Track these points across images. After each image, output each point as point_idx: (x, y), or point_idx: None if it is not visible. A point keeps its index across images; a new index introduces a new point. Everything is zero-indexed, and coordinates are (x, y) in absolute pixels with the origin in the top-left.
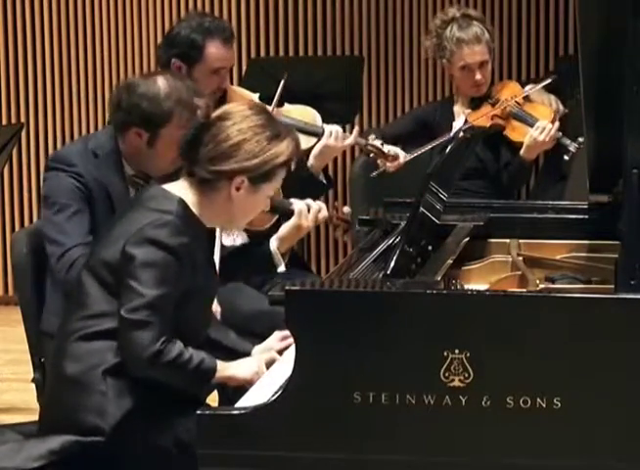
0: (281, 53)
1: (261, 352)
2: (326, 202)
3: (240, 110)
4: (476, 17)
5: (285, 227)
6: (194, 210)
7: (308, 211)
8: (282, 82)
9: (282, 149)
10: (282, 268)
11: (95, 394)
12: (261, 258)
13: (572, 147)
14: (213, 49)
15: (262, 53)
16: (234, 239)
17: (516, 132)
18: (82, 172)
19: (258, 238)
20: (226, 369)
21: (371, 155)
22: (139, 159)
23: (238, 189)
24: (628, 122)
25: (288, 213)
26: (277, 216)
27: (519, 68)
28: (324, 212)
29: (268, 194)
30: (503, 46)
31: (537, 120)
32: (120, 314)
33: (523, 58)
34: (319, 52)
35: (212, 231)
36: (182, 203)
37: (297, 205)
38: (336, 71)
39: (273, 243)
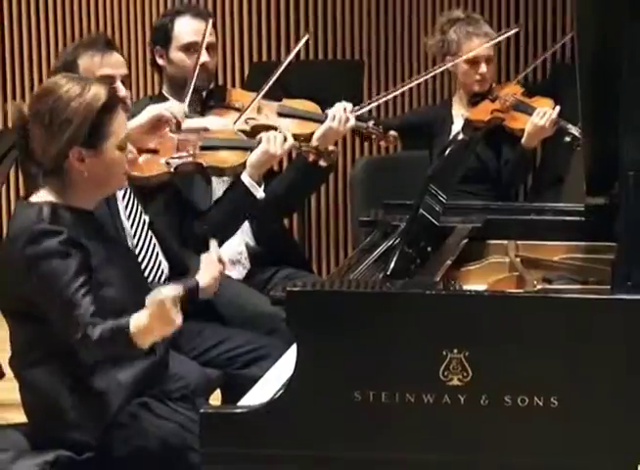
0: (282, 57)
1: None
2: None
3: (38, 97)
4: (481, 19)
5: (254, 154)
6: (64, 201)
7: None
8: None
9: (92, 101)
10: (261, 194)
11: (66, 412)
12: (240, 191)
13: (574, 130)
14: (182, 24)
15: (264, 57)
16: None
17: (516, 121)
18: None
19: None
20: (140, 319)
21: (373, 136)
22: None
23: (81, 160)
24: (625, 126)
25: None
26: (249, 153)
27: (517, 71)
28: (290, 141)
29: (117, 146)
30: (501, 50)
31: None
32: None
33: (521, 62)
34: (320, 56)
35: (112, 196)
36: (48, 205)
37: (264, 134)
38: (337, 75)
39: (245, 174)
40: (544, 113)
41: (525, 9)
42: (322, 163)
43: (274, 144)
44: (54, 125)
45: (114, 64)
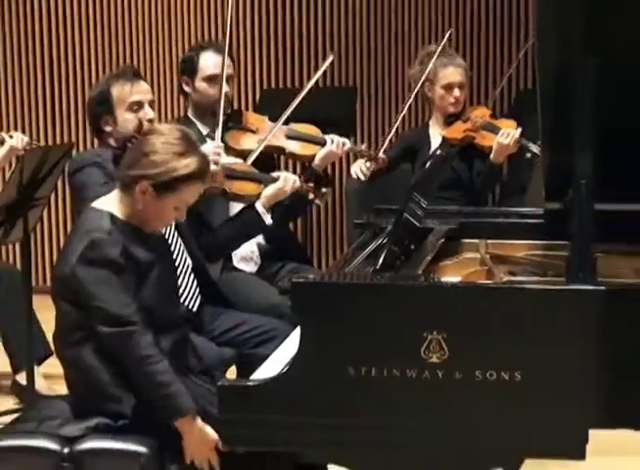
0: (288, 84)
1: None
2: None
3: (162, 128)
4: (454, 53)
5: (270, 188)
6: (122, 215)
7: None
8: (290, 106)
9: (182, 165)
10: (269, 220)
11: (105, 386)
12: (252, 216)
13: (534, 147)
14: (206, 58)
15: (273, 84)
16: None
17: (485, 140)
18: None
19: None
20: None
21: (365, 158)
22: None
23: (143, 193)
24: (578, 142)
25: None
26: (264, 186)
27: (486, 97)
28: (297, 183)
29: (175, 205)
30: (473, 79)
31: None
32: (100, 333)
33: (489, 89)
34: (320, 83)
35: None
36: (108, 215)
37: (281, 174)
38: (333, 100)
39: (259, 203)
40: (508, 133)
41: (494, 49)
42: (317, 201)
43: (288, 184)
44: (146, 159)
45: (141, 91)
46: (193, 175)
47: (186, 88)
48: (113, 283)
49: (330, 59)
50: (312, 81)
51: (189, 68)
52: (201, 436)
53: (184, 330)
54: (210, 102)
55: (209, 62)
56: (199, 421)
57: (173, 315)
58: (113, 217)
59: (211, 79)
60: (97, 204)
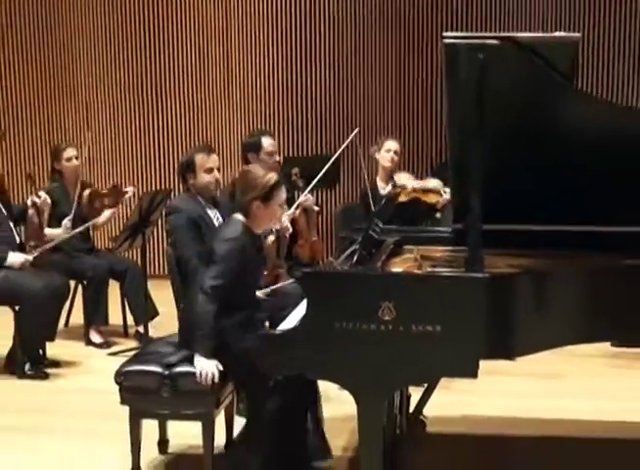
0: (302, 151)
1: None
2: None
3: (247, 169)
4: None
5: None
6: (246, 224)
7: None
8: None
9: (266, 181)
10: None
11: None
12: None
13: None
14: (265, 141)
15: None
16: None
17: (428, 197)
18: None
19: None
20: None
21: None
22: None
23: (258, 208)
24: (470, 191)
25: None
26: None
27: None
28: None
29: (279, 204)
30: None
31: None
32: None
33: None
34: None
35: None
36: (239, 223)
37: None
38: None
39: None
40: (445, 190)
41: (421, 125)
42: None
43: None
44: (248, 187)
45: (213, 161)
46: (275, 184)
47: (251, 160)
48: (227, 259)
49: (355, 131)
50: (338, 152)
51: (254, 146)
52: (206, 366)
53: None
54: (269, 167)
55: (268, 143)
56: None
57: (252, 297)
58: (244, 225)
59: (270, 154)
60: (236, 216)
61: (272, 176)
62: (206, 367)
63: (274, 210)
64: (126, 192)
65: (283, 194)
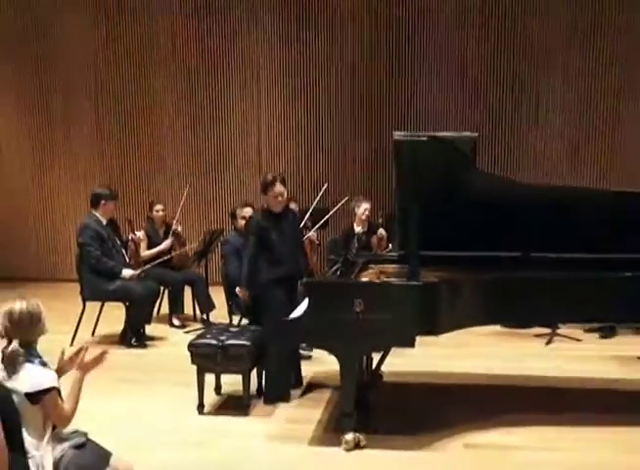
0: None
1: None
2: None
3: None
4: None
5: None
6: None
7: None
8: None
9: (265, 178)
10: None
11: None
12: None
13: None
14: (275, 187)
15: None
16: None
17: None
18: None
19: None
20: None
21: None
22: None
23: (265, 195)
24: (409, 229)
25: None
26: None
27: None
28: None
29: (275, 195)
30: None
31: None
32: None
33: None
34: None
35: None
36: (260, 209)
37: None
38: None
39: None
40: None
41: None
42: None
43: None
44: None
45: (284, 191)
46: (271, 181)
47: (265, 198)
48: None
49: (325, 186)
50: (312, 208)
51: (267, 188)
52: None
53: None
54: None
55: (277, 188)
56: None
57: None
58: (262, 209)
59: (276, 197)
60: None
61: (273, 178)
62: None
63: (271, 197)
64: (179, 232)
65: (279, 185)
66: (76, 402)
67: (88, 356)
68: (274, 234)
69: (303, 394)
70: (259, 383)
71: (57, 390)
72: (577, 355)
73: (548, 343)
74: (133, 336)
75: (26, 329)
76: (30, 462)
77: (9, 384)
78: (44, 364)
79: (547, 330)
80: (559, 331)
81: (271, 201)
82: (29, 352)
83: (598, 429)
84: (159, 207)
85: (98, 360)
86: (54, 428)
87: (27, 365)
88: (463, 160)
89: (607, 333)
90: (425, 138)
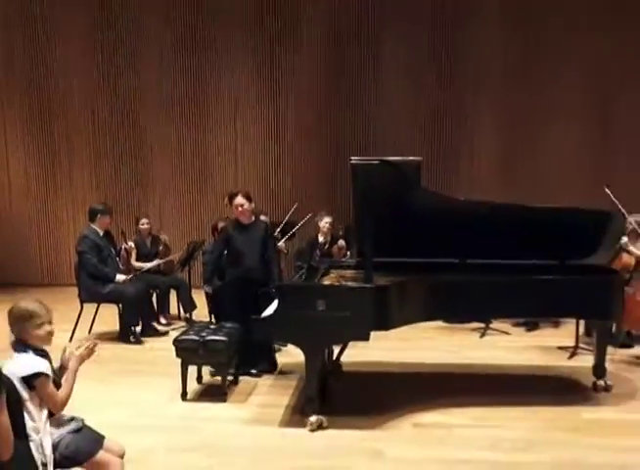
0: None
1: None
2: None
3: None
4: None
5: None
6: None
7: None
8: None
9: (231, 193)
10: None
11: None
12: None
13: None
14: (236, 198)
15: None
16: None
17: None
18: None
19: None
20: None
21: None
22: None
23: (229, 206)
24: (366, 242)
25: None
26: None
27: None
28: None
29: (235, 205)
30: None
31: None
32: None
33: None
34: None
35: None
36: (228, 220)
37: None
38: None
39: None
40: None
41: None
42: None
43: None
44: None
45: (244, 203)
46: (233, 195)
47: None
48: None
49: (295, 205)
50: (283, 222)
51: (232, 199)
52: None
53: None
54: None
55: (238, 200)
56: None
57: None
58: (230, 221)
59: (237, 207)
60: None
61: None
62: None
63: (235, 208)
64: (166, 242)
65: (240, 198)
66: (70, 389)
67: (81, 348)
68: (239, 240)
69: (274, 382)
70: (235, 373)
71: (47, 376)
72: (507, 346)
73: (482, 336)
74: (130, 334)
75: (18, 324)
76: (32, 445)
77: (4, 370)
78: (42, 356)
79: (481, 325)
80: (491, 325)
81: (234, 210)
82: (25, 345)
83: (524, 408)
84: (143, 220)
85: (91, 351)
86: (52, 414)
87: (19, 354)
88: (410, 180)
89: (531, 327)
90: (377, 162)
